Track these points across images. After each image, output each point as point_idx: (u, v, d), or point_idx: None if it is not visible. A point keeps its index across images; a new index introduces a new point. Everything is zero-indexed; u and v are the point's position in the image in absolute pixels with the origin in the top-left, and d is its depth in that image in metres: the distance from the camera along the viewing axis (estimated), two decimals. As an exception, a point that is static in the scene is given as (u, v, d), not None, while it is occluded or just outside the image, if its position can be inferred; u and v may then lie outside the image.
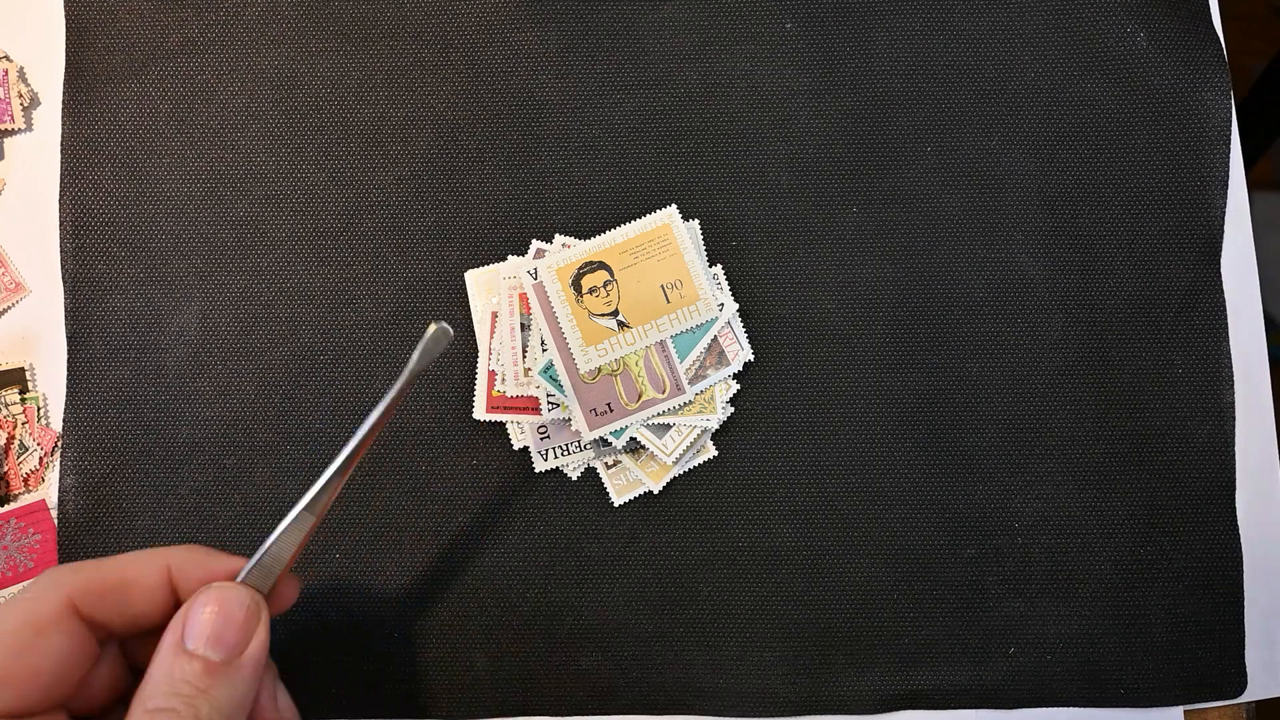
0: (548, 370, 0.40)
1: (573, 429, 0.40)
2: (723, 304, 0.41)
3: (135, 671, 0.31)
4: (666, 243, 0.40)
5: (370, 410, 0.32)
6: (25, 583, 0.40)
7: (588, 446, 0.41)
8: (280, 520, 0.31)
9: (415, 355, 0.32)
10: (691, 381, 0.40)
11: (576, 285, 0.40)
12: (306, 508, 0.32)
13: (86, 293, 0.42)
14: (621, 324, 0.40)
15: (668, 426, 0.40)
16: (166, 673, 0.28)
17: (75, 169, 0.42)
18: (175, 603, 0.31)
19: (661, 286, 0.40)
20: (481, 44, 0.43)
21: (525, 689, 0.40)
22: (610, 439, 0.40)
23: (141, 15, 0.43)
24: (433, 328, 0.32)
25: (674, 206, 0.41)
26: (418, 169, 0.43)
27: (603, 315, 0.40)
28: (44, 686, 0.28)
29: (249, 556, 0.32)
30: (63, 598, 0.29)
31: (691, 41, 0.44)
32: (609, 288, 0.40)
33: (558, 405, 0.40)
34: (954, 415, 0.42)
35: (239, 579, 0.31)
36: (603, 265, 0.40)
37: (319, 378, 0.41)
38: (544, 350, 0.40)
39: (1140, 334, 0.43)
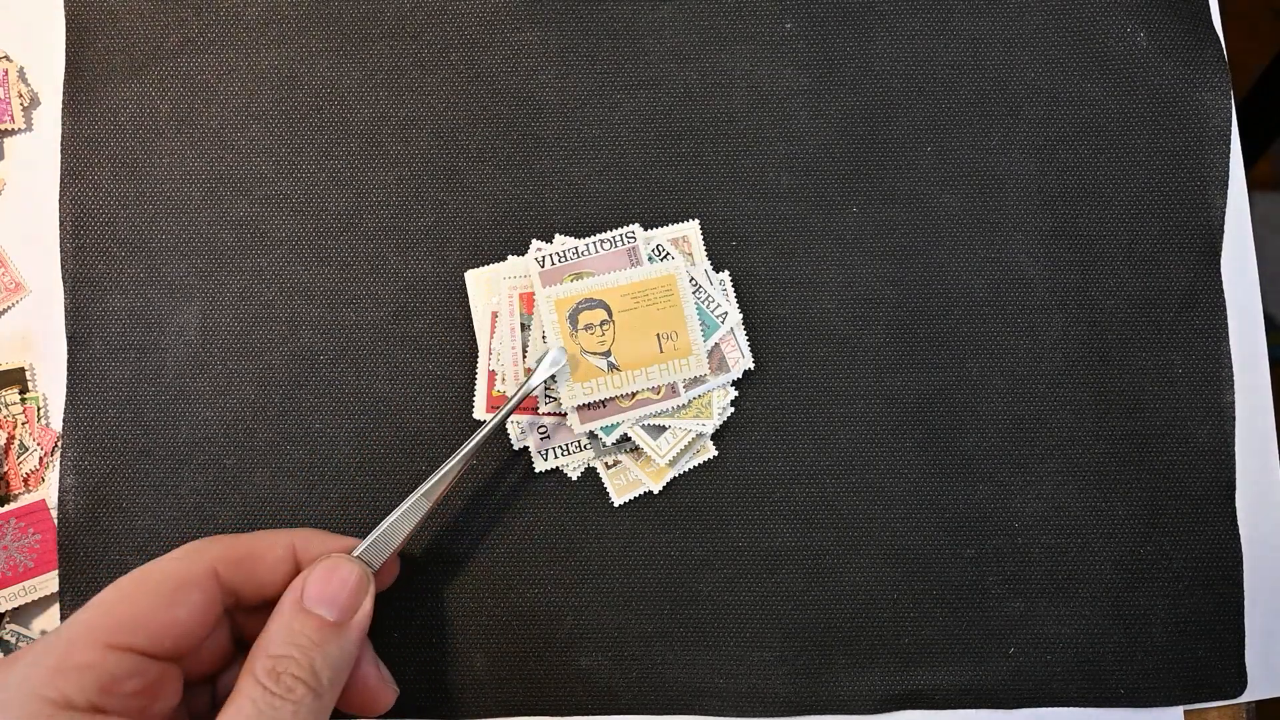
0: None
1: (567, 423, 0.40)
2: (726, 312, 0.41)
3: (240, 645, 0.35)
4: (669, 293, 0.40)
5: (498, 411, 0.37)
6: (27, 581, 0.40)
7: (586, 446, 0.41)
8: (396, 505, 0.36)
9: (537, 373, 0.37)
10: (688, 387, 0.40)
11: (573, 320, 0.40)
12: (424, 494, 0.36)
13: (86, 293, 0.42)
14: (612, 366, 0.39)
15: (663, 428, 0.40)
16: (286, 625, 0.32)
17: (75, 169, 0.42)
18: (296, 575, 0.34)
19: (657, 335, 0.40)
20: (481, 44, 0.43)
21: (525, 689, 0.40)
22: (601, 434, 0.40)
23: (141, 15, 0.43)
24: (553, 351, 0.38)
25: (681, 258, 0.41)
26: (418, 169, 0.43)
27: (595, 354, 0.39)
28: (176, 636, 0.31)
29: (361, 539, 0.36)
30: (207, 562, 0.32)
31: (691, 41, 0.44)
32: (605, 328, 0.39)
33: (555, 398, 0.40)
34: (954, 415, 0.42)
35: (354, 554, 0.35)
36: (602, 304, 0.40)
37: (319, 378, 0.41)
38: (545, 341, 0.40)
39: (1140, 334, 0.43)
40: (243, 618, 0.35)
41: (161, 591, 0.31)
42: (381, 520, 0.36)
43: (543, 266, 0.41)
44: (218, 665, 0.35)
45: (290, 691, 0.30)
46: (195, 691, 0.34)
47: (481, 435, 0.37)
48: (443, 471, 0.36)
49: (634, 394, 0.40)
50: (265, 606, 0.33)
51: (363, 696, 0.35)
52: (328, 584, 0.33)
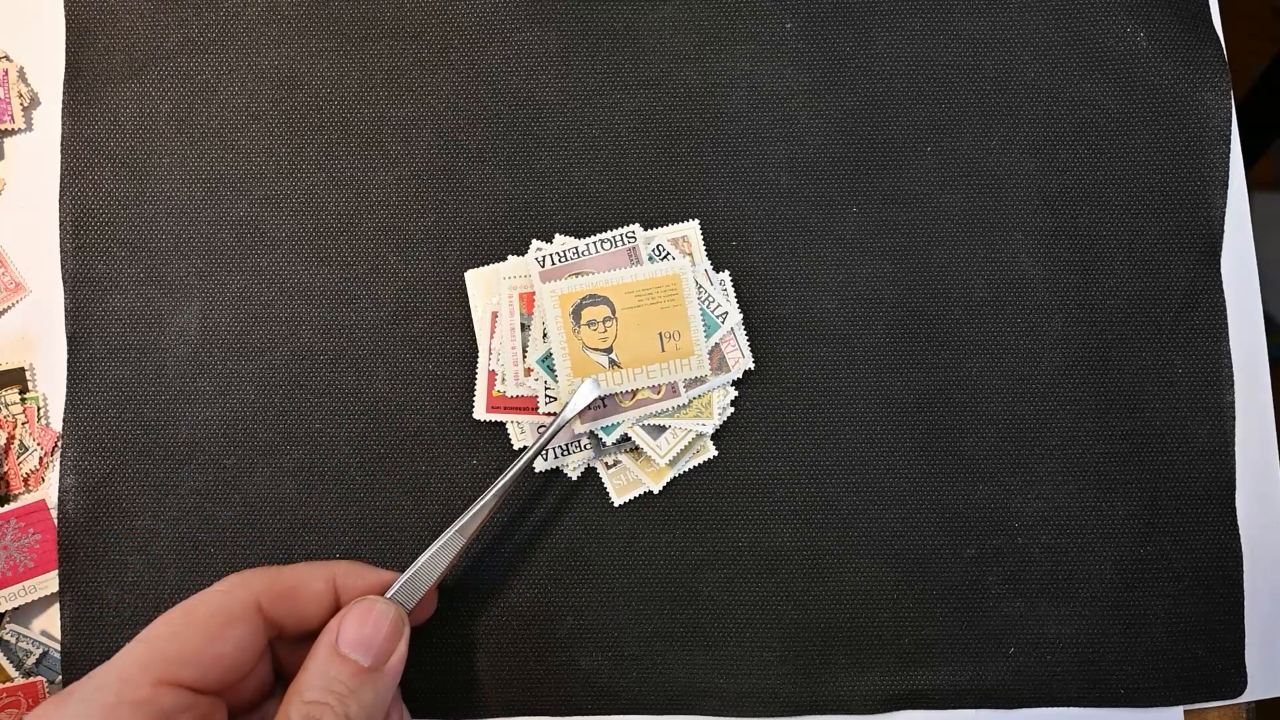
0: (545, 360, 0.40)
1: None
2: (727, 312, 0.41)
3: (279, 677, 0.35)
4: (673, 292, 0.40)
5: (530, 448, 0.37)
6: (27, 581, 0.40)
7: (586, 446, 0.41)
8: (430, 542, 0.36)
9: (569, 405, 0.37)
10: (689, 386, 0.40)
11: (576, 315, 0.40)
12: (459, 531, 0.36)
13: (86, 293, 0.42)
14: (613, 362, 0.39)
15: (663, 428, 0.40)
16: (322, 670, 0.31)
17: (75, 169, 0.42)
18: (336, 609, 0.34)
19: (659, 334, 0.40)
20: (481, 44, 0.43)
21: (525, 689, 0.40)
22: (601, 434, 0.40)
23: (141, 15, 0.43)
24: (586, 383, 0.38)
25: (689, 260, 0.41)
26: (418, 169, 0.43)
27: (596, 350, 0.39)
28: (223, 670, 0.31)
29: (399, 571, 0.35)
30: (251, 596, 0.32)
31: (691, 41, 0.44)
32: (608, 324, 0.39)
33: (555, 398, 0.40)
34: (954, 415, 0.42)
35: (388, 594, 0.35)
36: (606, 301, 0.40)
37: (319, 378, 0.41)
38: (545, 339, 0.40)
39: (1140, 334, 0.43)
40: (283, 650, 0.35)
41: (210, 626, 0.31)
42: (416, 558, 0.36)
43: (543, 266, 0.41)
44: (257, 697, 0.34)
45: None
46: None
47: (516, 469, 0.37)
48: (477, 507, 0.36)
49: (634, 393, 0.40)
50: (305, 639, 0.33)
51: None
52: (363, 627, 0.32)
